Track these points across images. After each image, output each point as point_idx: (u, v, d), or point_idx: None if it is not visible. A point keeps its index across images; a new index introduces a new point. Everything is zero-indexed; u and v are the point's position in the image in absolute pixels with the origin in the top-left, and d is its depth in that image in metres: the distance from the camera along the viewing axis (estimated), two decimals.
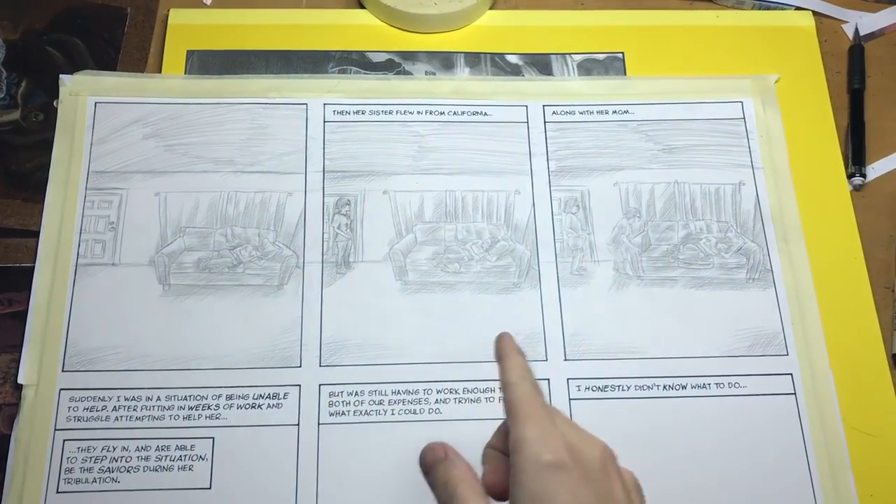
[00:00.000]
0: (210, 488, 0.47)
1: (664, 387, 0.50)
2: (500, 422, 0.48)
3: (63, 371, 0.49)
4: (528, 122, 0.57)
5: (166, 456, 0.47)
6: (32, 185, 0.53)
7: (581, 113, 0.58)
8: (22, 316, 0.50)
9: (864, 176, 0.57)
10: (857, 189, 0.57)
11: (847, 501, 0.48)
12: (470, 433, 0.48)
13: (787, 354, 0.51)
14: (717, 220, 0.55)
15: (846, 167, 0.57)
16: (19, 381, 0.48)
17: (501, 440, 0.37)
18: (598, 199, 0.55)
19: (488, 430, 0.48)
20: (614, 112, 0.58)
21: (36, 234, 0.52)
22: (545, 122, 0.57)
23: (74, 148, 0.54)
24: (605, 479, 0.34)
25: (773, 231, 0.54)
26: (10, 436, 0.47)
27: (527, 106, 0.58)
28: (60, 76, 0.56)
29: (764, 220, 0.55)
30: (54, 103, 0.55)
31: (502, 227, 0.54)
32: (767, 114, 0.58)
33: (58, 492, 0.46)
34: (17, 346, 0.49)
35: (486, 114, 0.57)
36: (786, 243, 0.54)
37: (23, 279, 0.51)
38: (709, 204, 0.55)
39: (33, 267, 0.51)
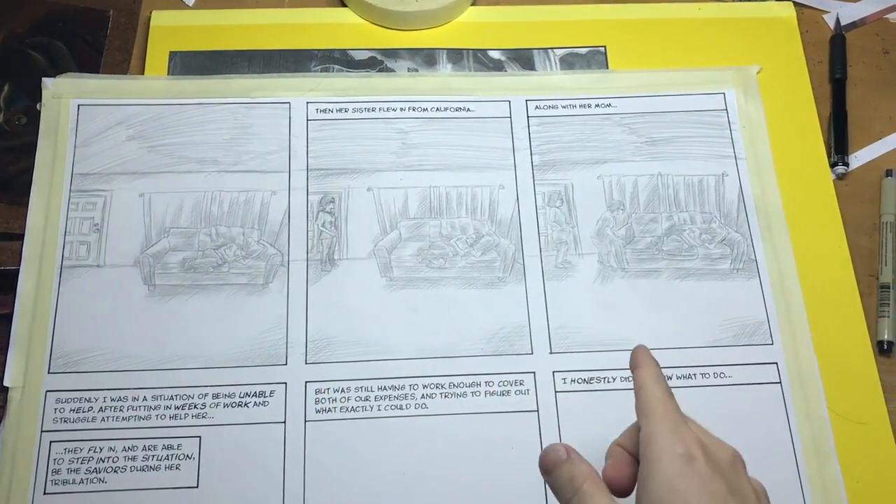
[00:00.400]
0: (197, 487, 0.47)
1: None
2: (504, 413, 0.49)
3: (49, 373, 0.49)
4: (511, 117, 0.57)
5: (153, 455, 0.47)
6: (16, 189, 0.53)
7: (564, 107, 0.58)
8: (7, 319, 0.50)
9: (846, 165, 0.57)
10: (840, 178, 0.57)
11: (833, 488, 0.48)
12: (456, 427, 0.49)
13: (772, 344, 0.51)
14: (701, 211, 0.55)
15: (829, 156, 0.57)
16: (5, 383, 0.48)
17: (629, 439, 0.38)
18: (581, 193, 0.55)
19: (475, 424, 0.49)
20: (597, 105, 0.58)
21: (20, 237, 0.52)
22: (528, 117, 0.57)
23: (58, 150, 0.54)
24: (735, 477, 0.35)
25: (756, 221, 0.55)
26: None
27: (510, 101, 0.58)
28: (43, 79, 0.56)
29: (747, 211, 0.55)
30: (37, 106, 0.55)
31: (486, 222, 0.54)
32: (749, 105, 0.58)
33: (45, 493, 0.46)
34: (2, 349, 0.49)
35: (469, 109, 0.58)
36: (769, 233, 0.54)
37: (8, 282, 0.51)
38: (692, 195, 0.55)
39: (18, 270, 0.51)
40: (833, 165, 0.57)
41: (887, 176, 0.56)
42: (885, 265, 0.53)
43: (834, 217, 0.55)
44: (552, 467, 0.37)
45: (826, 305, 0.52)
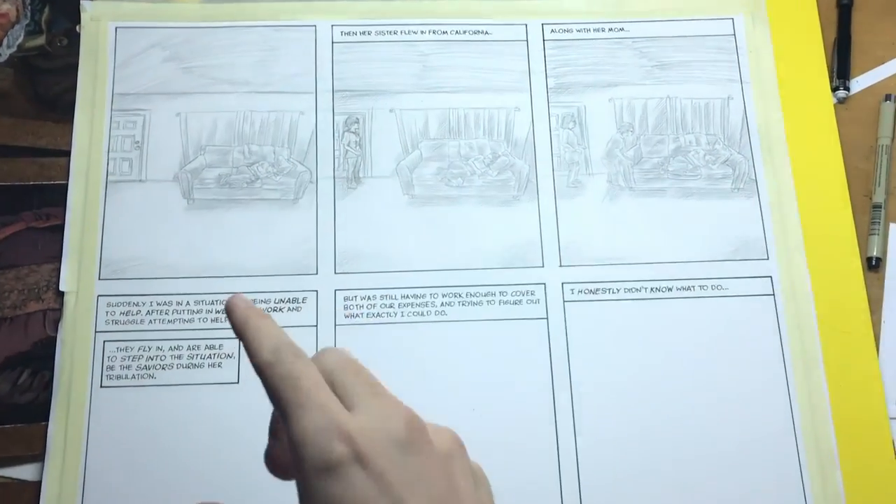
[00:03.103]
0: (238, 382, 0.52)
1: (651, 289, 0.54)
2: (517, 321, 0.53)
3: (100, 279, 0.53)
4: (527, 41, 0.60)
5: (197, 354, 0.52)
6: (61, 108, 0.56)
7: (578, 31, 0.60)
8: (60, 229, 0.54)
9: (847, 89, 0.59)
10: (840, 102, 0.59)
11: (818, 393, 0.52)
12: (472, 332, 0.53)
13: (768, 259, 0.55)
14: (706, 133, 0.58)
15: (831, 81, 0.59)
16: (61, 288, 0.53)
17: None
18: (593, 115, 0.58)
19: (490, 330, 0.53)
20: (610, 30, 0.60)
21: (67, 154, 0.55)
22: (544, 41, 0.60)
23: (98, 71, 0.57)
24: (407, 461, 0.28)
25: (758, 143, 0.57)
26: (55, 338, 0.52)
27: (526, 24, 0.60)
28: (81, 2, 0.58)
29: (750, 133, 0.58)
30: (77, 28, 0.58)
31: (503, 142, 0.57)
32: (757, 30, 0.60)
33: (101, 387, 0.51)
34: (57, 257, 0.53)
35: (487, 32, 0.60)
36: (770, 154, 0.57)
37: (58, 195, 0.55)
38: (698, 118, 0.58)
39: (67, 184, 0.55)
40: (834, 90, 0.59)
41: (886, 100, 0.59)
42: (879, 186, 0.57)
43: (833, 140, 0.58)
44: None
45: (820, 223, 0.56)
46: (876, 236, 0.55)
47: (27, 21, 0.59)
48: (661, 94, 0.59)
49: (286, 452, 0.29)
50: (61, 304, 0.53)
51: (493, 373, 0.52)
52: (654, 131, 0.58)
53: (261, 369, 0.29)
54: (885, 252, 0.56)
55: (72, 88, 0.57)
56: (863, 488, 0.51)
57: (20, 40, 0.58)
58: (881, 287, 0.55)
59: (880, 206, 0.56)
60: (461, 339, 0.53)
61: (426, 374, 0.52)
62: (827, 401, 0.52)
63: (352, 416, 0.28)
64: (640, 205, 0.56)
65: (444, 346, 0.53)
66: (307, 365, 0.29)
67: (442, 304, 0.54)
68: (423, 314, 0.54)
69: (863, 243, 0.56)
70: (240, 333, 0.30)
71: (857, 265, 0.55)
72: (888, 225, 0.56)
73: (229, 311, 0.31)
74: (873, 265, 0.55)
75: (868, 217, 0.56)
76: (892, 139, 0.58)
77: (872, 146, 0.58)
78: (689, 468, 0.51)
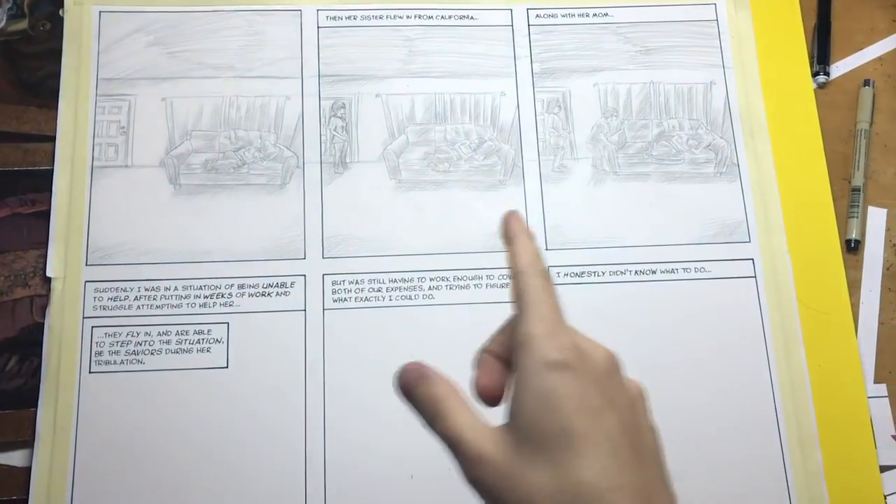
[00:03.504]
0: (227, 367, 0.52)
1: (636, 272, 0.55)
2: (504, 304, 0.53)
3: (87, 265, 0.53)
4: (512, 26, 0.60)
5: (186, 339, 0.52)
6: (45, 93, 0.56)
7: (563, 16, 0.61)
8: (45, 215, 0.54)
9: (827, 74, 0.60)
10: (820, 87, 0.60)
11: (798, 371, 0.53)
12: (461, 316, 0.54)
13: (750, 241, 0.56)
14: (689, 117, 0.59)
15: (811, 66, 0.60)
16: (48, 274, 0.53)
17: (499, 345, 0.35)
18: (578, 100, 0.59)
19: (478, 313, 0.54)
20: (594, 15, 0.61)
21: (52, 139, 0.55)
22: (529, 26, 0.60)
23: (82, 56, 0.57)
24: (609, 385, 0.32)
25: (740, 127, 0.58)
26: (43, 323, 0.52)
27: (511, 10, 0.60)
28: None
29: (732, 118, 0.59)
30: (60, 13, 0.58)
31: (489, 127, 0.58)
32: (739, 15, 0.61)
33: (90, 372, 0.51)
34: (43, 243, 0.53)
35: (472, 18, 0.60)
36: (752, 139, 0.58)
37: (43, 181, 0.54)
38: (681, 103, 0.59)
39: (52, 170, 0.55)
40: (815, 75, 0.60)
41: (864, 85, 0.60)
42: (857, 169, 0.58)
43: (813, 124, 0.59)
44: (409, 389, 0.35)
45: (801, 207, 0.57)
46: (855, 219, 0.57)
47: (9, 5, 0.58)
48: (645, 79, 0.59)
49: (493, 379, 0.34)
50: (48, 289, 0.53)
51: None
52: (638, 116, 0.59)
53: (514, 274, 0.35)
54: (863, 234, 0.57)
55: (55, 73, 0.56)
56: (842, 466, 0.52)
57: (2, 24, 0.58)
58: (860, 269, 0.56)
59: (859, 190, 0.57)
60: (449, 323, 0.54)
61: (414, 357, 0.52)
62: (807, 380, 0.53)
63: (576, 334, 0.33)
64: (624, 189, 0.57)
65: (432, 330, 0.53)
66: (549, 285, 0.34)
67: (430, 288, 0.54)
68: (410, 298, 0.54)
69: (842, 226, 0.57)
70: (507, 240, 0.36)
71: (836, 247, 0.56)
72: (867, 208, 0.57)
73: (504, 222, 0.37)
74: (852, 247, 0.56)
75: (847, 200, 0.57)
76: (871, 123, 0.59)
77: (851, 130, 0.59)
78: (672, 447, 0.52)
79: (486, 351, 0.36)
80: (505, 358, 0.35)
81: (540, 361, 0.31)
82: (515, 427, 0.31)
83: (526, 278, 0.34)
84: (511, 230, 0.36)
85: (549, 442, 0.30)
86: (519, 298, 0.34)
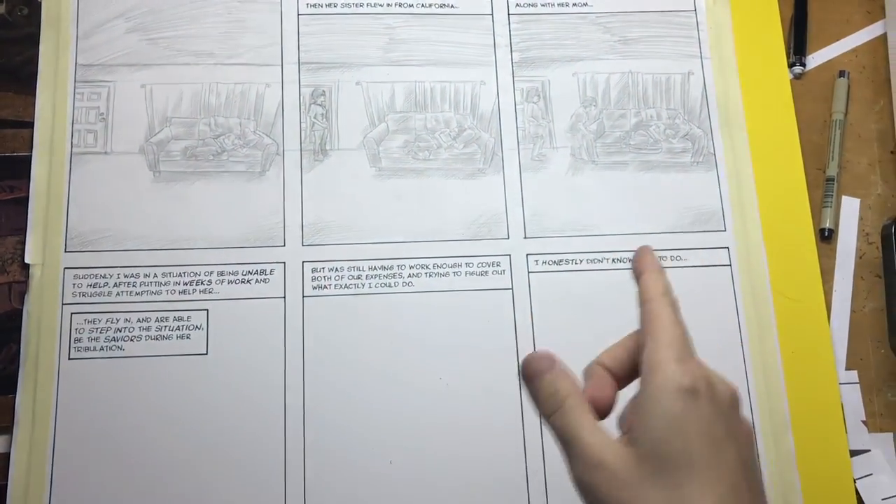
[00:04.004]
0: (207, 354, 0.52)
1: (613, 260, 0.56)
2: (482, 291, 0.54)
3: (66, 252, 0.53)
4: (492, 15, 0.60)
5: (165, 326, 0.52)
6: (23, 78, 0.56)
7: (543, 6, 0.61)
8: (23, 202, 0.54)
9: (803, 66, 0.61)
10: (797, 77, 0.61)
11: (771, 357, 0.54)
12: (439, 303, 0.54)
13: (725, 230, 0.57)
14: (667, 107, 0.59)
15: (788, 57, 0.61)
16: (26, 260, 0.52)
17: (614, 360, 0.36)
18: (557, 89, 0.59)
19: (457, 300, 0.54)
20: (574, 5, 0.61)
21: (30, 125, 0.55)
22: (509, 15, 0.60)
23: (61, 42, 0.57)
24: (733, 417, 0.33)
25: (717, 117, 0.59)
26: (21, 310, 0.52)
27: None
28: None
29: (710, 108, 0.59)
30: None
31: (468, 116, 0.58)
32: (717, 6, 0.61)
33: (69, 358, 0.51)
34: (21, 230, 0.53)
35: (453, 6, 0.60)
36: (728, 129, 0.59)
37: (21, 167, 0.54)
38: (659, 93, 0.59)
39: (30, 156, 0.54)
40: (791, 66, 0.61)
41: (840, 76, 0.60)
42: (832, 160, 0.58)
43: (789, 115, 0.59)
44: (536, 376, 0.36)
45: (776, 196, 0.58)
46: (829, 208, 0.57)
47: None
48: (624, 68, 0.60)
49: (604, 392, 0.35)
50: (27, 276, 0.53)
51: (459, 342, 0.53)
52: (617, 105, 0.59)
53: (645, 300, 0.36)
54: (837, 224, 0.58)
55: (33, 59, 0.56)
56: (813, 450, 0.53)
57: None
58: (833, 257, 0.57)
59: (833, 179, 0.58)
60: (428, 310, 0.54)
61: (394, 343, 0.53)
62: (780, 366, 0.54)
63: (703, 365, 0.34)
64: (602, 178, 0.57)
65: (411, 317, 0.54)
66: (680, 315, 0.36)
67: (409, 276, 0.55)
68: (390, 285, 0.54)
69: (816, 215, 0.58)
70: (639, 274, 0.37)
71: (810, 236, 0.57)
72: (840, 197, 0.58)
73: (638, 255, 0.38)
74: (826, 236, 0.57)
75: (821, 190, 0.58)
76: (846, 114, 0.60)
77: (826, 121, 0.60)
78: None
79: (598, 363, 0.37)
80: (616, 373, 0.36)
81: (671, 385, 0.32)
82: (639, 444, 0.32)
83: (657, 306, 0.35)
84: (643, 264, 0.37)
85: (672, 464, 0.31)
86: (649, 324, 0.35)
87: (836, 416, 0.54)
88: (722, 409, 0.33)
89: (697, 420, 0.32)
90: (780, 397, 0.53)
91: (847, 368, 0.55)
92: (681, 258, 0.56)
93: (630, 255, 0.55)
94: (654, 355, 0.33)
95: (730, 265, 0.56)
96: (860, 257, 0.57)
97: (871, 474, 0.53)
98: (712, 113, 0.59)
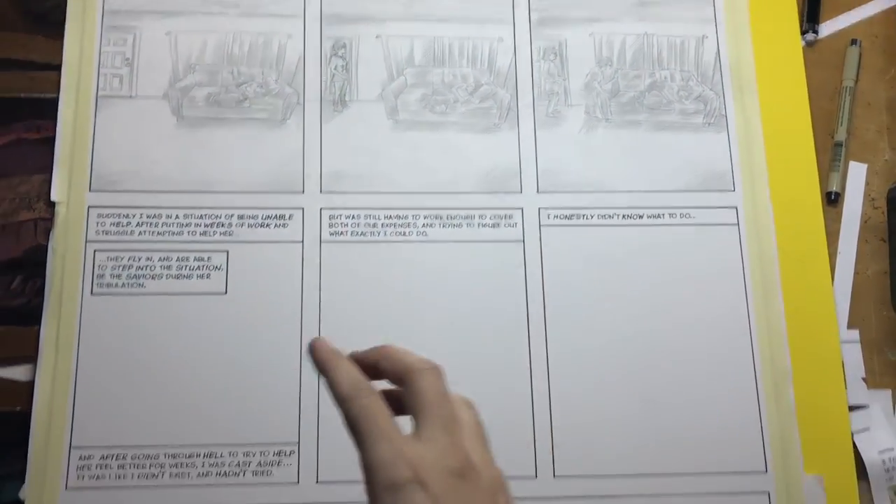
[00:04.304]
0: (226, 293, 0.54)
1: (623, 216, 0.57)
2: (494, 243, 0.55)
3: (90, 191, 0.54)
4: None
5: (186, 265, 0.54)
6: (52, 22, 0.57)
7: None
8: (50, 142, 0.55)
9: (816, 33, 0.62)
10: (809, 45, 0.62)
11: (775, 314, 0.55)
12: (451, 252, 0.56)
13: (734, 190, 0.58)
14: (681, 69, 0.60)
15: (801, 24, 0.62)
16: (52, 198, 0.54)
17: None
18: (574, 49, 0.60)
19: (468, 250, 0.56)
20: None
21: (58, 69, 0.56)
22: None
23: None
24: (460, 485, 0.32)
25: (729, 81, 0.60)
26: (46, 246, 0.53)
27: None
28: None
29: (722, 71, 0.60)
30: None
31: (486, 72, 0.59)
32: None
33: (92, 294, 0.53)
34: (47, 169, 0.55)
35: None
36: (740, 92, 0.60)
37: (49, 109, 0.56)
38: (674, 55, 0.61)
39: (58, 98, 0.56)
40: (804, 33, 0.62)
41: (852, 45, 0.61)
42: (841, 125, 0.59)
43: (800, 80, 0.60)
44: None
45: (784, 159, 0.59)
46: (836, 173, 0.59)
47: None
48: (640, 30, 0.61)
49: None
50: (52, 213, 0.54)
51: (471, 291, 0.55)
52: (632, 66, 0.60)
53: (340, 401, 0.34)
54: (843, 188, 0.59)
55: (62, 4, 0.57)
56: (813, 404, 0.54)
57: None
58: (839, 220, 0.58)
59: (841, 145, 0.59)
60: (441, 259, 0.55)
61: (407, 290, 0.55)
62: (783, 323, 0.55)
63: (417, 445, 0.32)
64: (615, 136, 0.58)
65: (424, 265, 0.55)
66: (378, 401, 0.33)
67: (423, 225, 0.56)
68: (404, 234, 0.56)
69: (823, 179, 0.59)
70: (321, 370, 0.35)
71: (816, 199, 0.58)
72: (848, 162, 0.59)
73: (312, 352, 0.35)
74: (832, 199, 0.58)
75: (829, 155, 0.59)
76: (856, 82, 0.61)
77: (837, 88, 0.61)
78: (653, 383, 0.54)
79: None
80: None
81: (388, 488, 0.31)
82: None
83: (354, 403, 0.33)
84: (321, 357, 0.35)
85: None
86: (355, 426, 0.33)
87: (836, 372, 0.55)
88: (446, 486, 0.31)
89: None
90: (782, 352, 0.55)
91: (849, 327, 0.56)
92: (690, 216, 0.57)
93: (641, 212, 0.57)
94: (366, 457, 0.32)
95: (737, 224, 0.57)
96: (865, 221, 0.58)
97: (868, 429, 0.54)
98: (725, 76, 0.60)
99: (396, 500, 0.31)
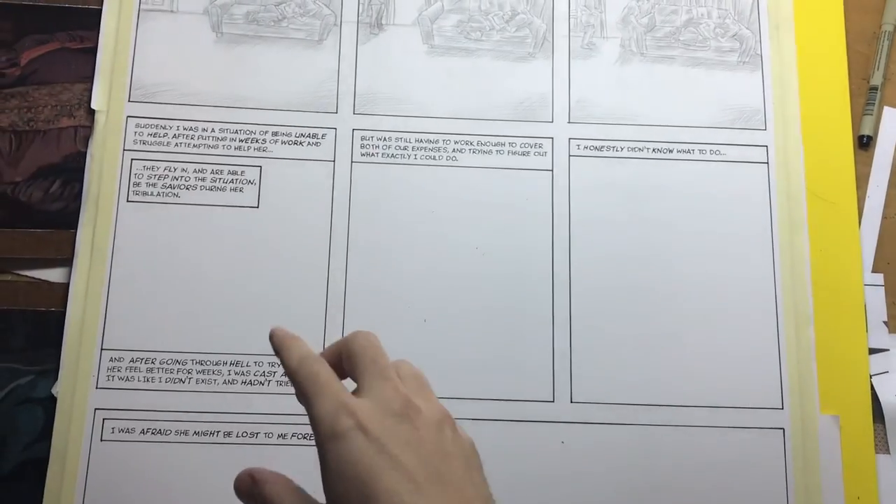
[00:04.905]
0: (258, 207, 0.55)
1: (653, 150, 0.57)
2: (524, 171, 0.55)
3: (129, 101, 0.56)
4: None
5: (220, 178, 0.55)
6: None
7: None
8: (92, 52, 0.56)
9: None
10: None
11: (799, 253, 0.56)
12: (480, 178, 0.56)
13: (766, 130, 0.58)
14: (718, 7, 0.60)
15: None
16: (92, 106, 0.55)
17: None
18: None
19: (497, 177, 0.56)
20: None
21: None
22: None
23: None
24: (396, 423, 0.33)
25: (766, 21, 0.60)
26: (85, 153, 0.55)
27: None
28: None
29: (759, 10, 0.60)
30: None
31: (522, 1, 0.59)
32: None
33: (128, 201, 0.54)
34: (88, 78, 0.56)
35: None
36: (777, 32, 0.59)
37: (92, 20, 0.57)
38: None
39: (101, 10, 0.57)
40: None
41: None
42: (878, 69, 0.59)
43: (838, 23, 0.60)
44: (247, 496, 0.35)
45: (818, 100, 0.58)
46: (870, 116, 0.58)
47: None
48: None
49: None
50: (92, 121, 0.55)
51: (498, 216, 0.55)
52: (669, 1, 0.60)
53: (290, 375, 0.36)
54: (876, 132, 0.59)
55: None
56: (833, 344, 0.54)
57: None
58: (869, 164, 0.58)
59: (876, 89, 0.59)
60: (470, 184, 0.56)
61: (435, 214, 0.55)
62: (807, 262, 0.56)
63: (358, 397, 0.34)
64: (649, 70, 0.58)
65: (453, 189, 0.56)
66: (323, 366, 0.35)
67: (454, 151, 0.57)
68: (434, 158, 0.56)
69: (856, 122, 0.58)
70: (277, 351, 0.37)
71: (848, 142, 0.58)
72: (882, 107, 0.59)
73: (271, 337, 0.37)
74: (864, 143, 0.58)
75: (864, 98, 0.59)
76: (895, 26, 0.60)
77: (876, 33, 0.60)
78: (674, 316, 0.55)
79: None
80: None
81: (329, 436, 0.33)
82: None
83: (300, 371, 0.35)
84: (276, 341, 0.37)
85: None
86: (301, 389, 0.35)
87: (858, 314, 0.55)
88: (383, 425, 0.33)
89: (356, 457, 0.32)
90: (804, 292, 0.55)
91: (873, 271, 0.56)
92: (720, 152, 0.57)
93: (672, 146, 0.57)
94: (311, 414, 0.34)
95: (767, 163, 0.57)
96: None
97: (887, 371, 0.55)
98: (762, 16, 0.60)
99: (339, 447, 0.32)
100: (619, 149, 0.57)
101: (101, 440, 0.51)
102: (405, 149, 0.56)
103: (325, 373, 0.35)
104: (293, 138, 0.56)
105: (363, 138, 0.56)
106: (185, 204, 0.54)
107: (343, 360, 0.36)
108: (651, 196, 0.56)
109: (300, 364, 0.35)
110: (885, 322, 0.55)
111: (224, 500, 0.36)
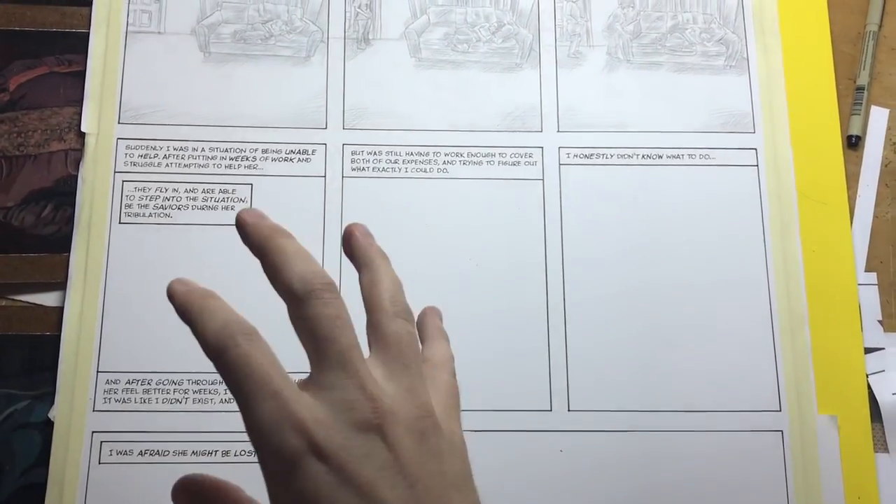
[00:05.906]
0: None
1: (643, 156, 0.57)
2: (514, 181, 0.56)
3: (119, 123, 0.56)
4: None
5: (211, 197, 0.55)
6: None
7: None
8: (81, 75, 0.56)
9: None
10: None
11: (792, 255, 0.56)
12: (471, 190, 0.56)
13: (754, 132, 0.58)
14: (703, 12, 0.60)
15: None
16: (82, 129, 0.55)
17: None
18: None
19: (488, 188, 0.56)
20: None
21: (90, 3, 0.57)
22: None
23: None
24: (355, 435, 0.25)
25: (752, 24, 0.60)
26: (77, 176, 0.55)
27: None
28: None
29: (745, 14, 0.60)
30: None
31: (508, 12, 0.60)
32: None
33: (120, 223, 0.54)
34: (78, 101, 0.56)
35: None
36: (763, 35, 0.60)
37: (79, 43, 0.57)
38: None
39: (89, 32, 0.57)
40: None
41: None
42: (864, 69, 0.59)
43: (823, 24, 0.60)
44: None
45: (806, 101, 0.59)
46: (857, 116, 0.59)
47: None
48: None
49: None
50: (82, 144, 0.55)
51: (490, 228, 0.56)
52: (654, 8, 0.60)
53: (210, 356, 0.26)
54: (864, 132, 0.59)
55: None
56: (829, 345, 0.54)
57: None
58: (859, 164, 0.58)
59: (863, 89, 0.59)
60: (461, 196, 0.56)
61: (427, 227, 0.56)
62: (800, 264, 0.56)
63: (308, 398, 0.26)
64: (636, 77, 0.59)
65: (445, 202, 0.56)
66: (258, 345, 0.26)
67: (444, 163, 0.57)
68: (425, 171, 0.57)
69: (844, 123, 0.59)
70: (184, 319, 0.27)
71: (837, 142, 0.58)
72: (870, 106, 0.59)
73: (170, 298, 0.28)
74: (853, 143, 0.58)
75: (851, 98, 0.59)
76: (880, 27, 0.60)
77: (860, 32, 0.61)
78: (669, 321, 0.55)
79: None
80: None
81: (266, 462, 0.25)
82: None
83: (224, 355, 0.26)
84: (181, 303, 0.29)
85: None
86: (229, 382, 0.26)
87: (852, 314, 0.55)
88: (344, 436, 0.25)
89: (313, 496, 0.24)
90: (798, 293, 0.55)
91: (866, 270, 0.56)
92: (709, 157, 0.57)
93: (661, 152, 0.57)
94: (249, 423, 0.26)
95: (757, 166, 0.57)
96: (885, 165, 0.58)
97: (883, 370, 0.55)
98: (747, 19, 0.60)
99: (289, 480, 0.24)
100: (609, 156, 0.57)
101: (100, 463, 0.51)
102: (396, 162, 0.57)
103: (263, 360, 0.25)
104: (283, 155, 0.56)
105: (353, 153, 0.56)
106: (177, 224, 0.54)
107: (295, 325, 0.27)
108: (642, 202, 0.56)
109: (223, 343, 0.26)
110: (879, 321, 0.56)
111: None
